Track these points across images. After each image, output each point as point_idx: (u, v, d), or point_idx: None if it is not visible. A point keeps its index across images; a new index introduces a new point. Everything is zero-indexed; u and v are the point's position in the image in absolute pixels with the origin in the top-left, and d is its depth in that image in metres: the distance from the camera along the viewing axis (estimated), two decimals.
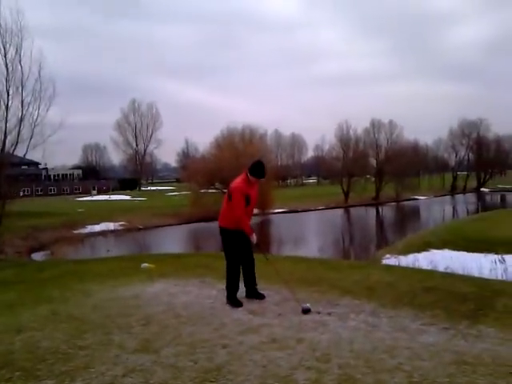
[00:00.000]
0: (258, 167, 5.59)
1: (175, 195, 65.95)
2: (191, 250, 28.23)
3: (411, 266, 13.77)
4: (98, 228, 36.79)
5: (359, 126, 70.01)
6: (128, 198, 64.82)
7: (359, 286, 6.18)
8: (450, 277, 6.47)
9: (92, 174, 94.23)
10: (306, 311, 5.17)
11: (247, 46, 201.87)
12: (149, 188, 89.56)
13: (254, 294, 5.85)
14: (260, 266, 5.94)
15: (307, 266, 7.48)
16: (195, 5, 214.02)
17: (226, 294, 5.72)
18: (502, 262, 15.18)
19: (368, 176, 68.39)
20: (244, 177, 5.62)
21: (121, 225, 38.68)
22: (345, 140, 64.91)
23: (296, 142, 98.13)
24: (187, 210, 44.40)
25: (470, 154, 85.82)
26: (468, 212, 48.22)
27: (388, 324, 4.74)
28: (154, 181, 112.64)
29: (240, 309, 5.43)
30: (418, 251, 20.35)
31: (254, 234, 5.60)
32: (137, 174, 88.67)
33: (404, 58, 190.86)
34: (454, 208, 56.03)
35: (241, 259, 5.73)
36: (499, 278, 12.48)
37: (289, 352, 4.06)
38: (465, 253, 18.47)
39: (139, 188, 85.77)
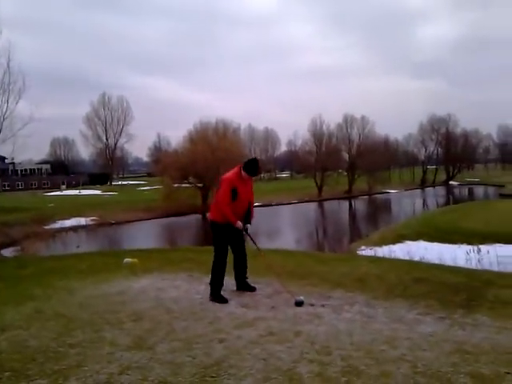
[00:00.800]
0: (252, 164, 5.52)
1: (147, 190, 65.19)
2: (166, 245, 27.93)
3: (387, 257, 13.98)
4: (68, 223, 36.01)
5: (332, 121, 70.32)
6: (99, 192, 63.66)
7: (349, 278, 6.17)
8: (437, 268, 6.53)
9: (61, 169, 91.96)
10: (300, 304, 5.12)
11: (223, 41, 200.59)
12: (120, 182, 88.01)
13: (244, 287, 5.77)
14: (248, 259, 5.85)
15: (295, 259, 7.44)
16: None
17: (209, 290, 5.57)
18: (477, 252, 15.52)
19: (340, 170, 69.16)
20: (236, 170, 5.53)
21: (92, 220, 37.95)
22: (318, 135, 65.45)
23: (269, 137, 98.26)
24: (160, 204, 43.91)
25: (439, 149, 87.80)
26: (438, 205, 49.29)
27: (384, 315, 4.73)
28: (125, 175, 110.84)
29: (232, 302, 5.33)
30: (393, 243, 20.69)
31: (238, 222, 5.47)
32: (107, 168, 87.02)
33: (375, 55, 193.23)
34: (424, 201, 57.15)
35: (233, 252, 5.64)
36: (474, 267, 12.77)
37: (288, 345, 3.99)
38: (439, 244, 18.87)
39: (110, 182, 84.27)
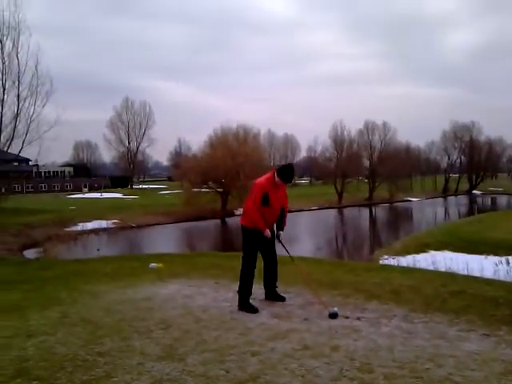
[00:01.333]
0: (287, 170, 5.32)
1: (167, 194, 65.46)
2: (186, 250, 27.90)
3: (411, 266, 13.62)
4: (90, 226, 36.22)
5: (352, 127, 69.99)
6: (120, 195, 64.22)
7: (383, 289, 5.93)
8: (474, 280, 6.25)
9: (83, 172, 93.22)
10: (334, 316, 4.90)
11: (242, 46, 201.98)
12: (140, 186, 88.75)
13: (274, 296, 5.57)
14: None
15: (322, 267, 7.23)
16: (190, 5, 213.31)
17: (238, 299, 5.38)
18: (506, 263, 15.07)
19: (361, 177, 68.51)
20: (270, 175, 5.34)
21: (113, 223, 38.15)
22: (339, 141, 64.94)
23: (289, 143, 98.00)
24: (180, 208, 43.98)
25: (462, 157, 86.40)
26: (460, 214, 48.36)
27: (424, 330, 4.49)
28: (146, 179, 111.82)
29: (263, 312, 5.14)
30: (417, 252, 20.25)
31: (267, 230, 5.29)
32: (128, 172, 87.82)
33: (396, 61, 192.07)
34: (446, 210, 56.20)
35: (264, 259, 5.47)
36: (502, 279, 12.35)
37: (325, 361, 3.79)
38: (465, 254, 18.37)
39: (131, 186, 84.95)
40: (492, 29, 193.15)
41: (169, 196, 60.12)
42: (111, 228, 36.78)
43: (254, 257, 5.35)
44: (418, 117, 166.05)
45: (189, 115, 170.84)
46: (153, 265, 7.57)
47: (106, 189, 76.62)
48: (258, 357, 3.90)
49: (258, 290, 5.61)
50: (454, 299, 5.39)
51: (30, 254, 24.87)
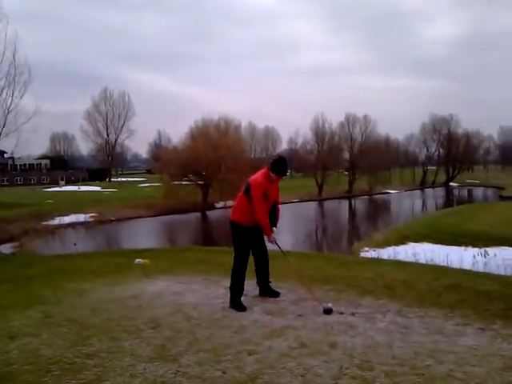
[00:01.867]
0: (280, 164, 5.17)
1: (147, 187, 64.73)
2: (168, 244, 27.61)
3: (392, 258, 13.68)
4: (68, 220, 35.53)
5: (334, 119, 70.17)
6: (98, 188, 63.26)
7: (376, 284, 5.87)
8: (467, 274, 6.24)
9: (60, 164, 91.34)
10: (328, 311, 4.81)
11: (222, 36, 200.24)
12: (119, 179, 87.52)
13: (267, 292, 5.46)
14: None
15: (312, 262, 7.14)
16: None
17: (229, 296, 5.24)
18: (484, 255, 15.29)
19: (341, 170, 68.87)
20: (264, 172, 5.19)
21: (91, 216, 37.54)
22: (320, 133, 65.10)
23: (270, 135, 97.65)
24: (160, 201, 43.50)
25: (441, 150, 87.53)
26: (438, 206, 49.09)
27: (421, 325, 4.43)
28: (125, 172, 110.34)
29: (256, 309, 5.02)
30: (397, 244, 20.37)
31: (273, 235, 5.19)
32: (106, 164, 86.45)
33: (376, 53, 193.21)
34: (424, 202, 56.97)
35: (255, 255, 5.34)
36: (481, 271, 12.52)
37: (324, 359, 3.69)
38: (444, 246, 18.58)
39: (109, 179, 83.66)
40: (469, 20, 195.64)
41: (148, 189, 59.46)
42: (89, 222, 36.17)
43: (247, 254, 5.21)
44: (397, 109, 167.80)
45: (169, 106, 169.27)
46: (138, 260, 7.36)
47: (84, 182, 75.26)
48: (255, 356, 3.79)
49: (248, 286, 5.48)
50: (448, 293, 5.36)
51: (5, 248, 24.24)
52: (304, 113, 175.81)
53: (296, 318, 4.70)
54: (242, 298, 5.19)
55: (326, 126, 66.25)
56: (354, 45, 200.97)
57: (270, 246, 5.48)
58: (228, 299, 5.27)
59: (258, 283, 5.49)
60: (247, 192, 5.13)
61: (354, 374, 3.43)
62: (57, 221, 34.81)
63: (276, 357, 3.76)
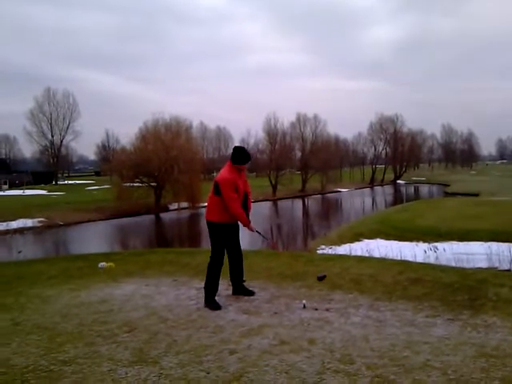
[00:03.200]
0: (238, 153, 5.22)
1: (96, 189, 63.01)
2: (123, 247, 27.07)
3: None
4: (14, 225, 34.11)
5: (286, 119, 71.03)
6: (44, 192, 60.87)
7: (344, 279, 5.99)
8: (429, 267, 6.48)
9: (2, 168, 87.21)
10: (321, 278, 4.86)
11: (171, 37, 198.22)
12: (66, 182, 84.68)
13: (242, 291, 5.47)
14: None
15: (280, 260, 7.18)
16: None
17: (204, 296, 5.24)
18: (435, 250, 15.98)
19: (292, 169, 69.77)
20: (229, 167, 5.22)
21: (39, 221, 36.19)
22: (272, 133, 65.69)
23: (222, 135, 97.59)
24: (111, 204, 42.48)
25: (388, 148, 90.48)
26: (387, 203, 50.63)
27: (393, 318, 4.57)
28: (71, 174, 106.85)
29: (231, 308, 5.03)
30: (352, 241, 20.92)
31: (251, 225, 5.24)
32: (52, 167, 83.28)
33: (323, 56, 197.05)
34: (374, 199, 58.65)
35: (229, 254, 5.34)
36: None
37: (305, 355, 3.75)
38: (397, 242, 19.24)
39: (56, 182, 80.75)
40: (410, 25, 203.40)
41: (97, 192, 57.92)
42: (37, 227, 34.86)
43: (222, 252, 5.21)
44: (345, 109, 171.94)
45: (117, 107, 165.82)
46: (102, 264, 7.18)
47: (29, 185, 72.20)
48: (237, 355, 3.79)
49: (220, 286, 5.46)
50: (413, 286, 5.56)
51: None
52: (255, 113, 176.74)
53: (272, 316, 4.74)
54: (215, 298, 5.19)
55: (278, 126, 67.08)
56: (304, 47, 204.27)
57: (243, 246, 5.50)
58: (200, 300, 5.26)
59: (232, 282, 5.49)
60: (217, 191, 5.14)
61: (337, 367, 3.50)
62: (3, 226, 33.29)
63: (258, 355, 3.78)
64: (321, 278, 5.03)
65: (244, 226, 5.25)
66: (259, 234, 5.45)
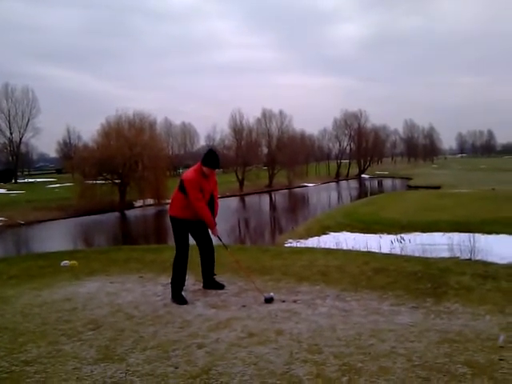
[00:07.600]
0: (210, 157, 5.17)
1: (57, 187, 61.36)
2: (87, 246, 26.47)
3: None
4: None
5: (251, 115, 71.06)
6: (3, 191, 58.88)
7: (310, 271, 6.05)
8: (393, 257, 6.62)
9: None
10: (270, 300, 4.90)
11: (139, 33, 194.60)
12: (26, 180, 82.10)
13: (212, 285, 5.45)
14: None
15: (248, 254, 7.18)
16: None
17: (170, 291, 5.21)
18: (400, 241, 16.32)
19: (258, 165, 69.95)
20: (197, 167, 5.18)
21: None
22: (238, 129, 65.58)
23: (187, 131, 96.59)
24: (75, 202, 41.51)
25: (352, 144, 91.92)
26: (352, 197, 51.50)
27: (359, 307, 4.65)
28: (32, 172, 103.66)
29: (199, 303, 4.99)
30: (319, 235, 21.14)
31: (216, 228, 5.22)
32: (11, 165, 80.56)
33: (290, 52, 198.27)
34: (339, 193, 59.58)
35: (199, 248, 5.33)
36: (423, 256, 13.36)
37: (273, 346, 3.76)
38: (362, 234, 19.58)
39: (15, 180, 78.21)
40: (374, 23, 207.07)
41: (59, 189, 56.43)
42: None
43: (186, 246, 5.18)
44: (311, 105, 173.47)
45: (81, 104, 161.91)
46: (65, 262, 6.99)
47: None
48: (205, 349, 3.77)
49: (188, 281, 5.42)
50: (378, 276, 5.66)
51: None
52: (220, 109, 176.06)
53: (240, 309, 4.73)
54: (182, 293, 5.15)
55: (244, 122, 67.04)
56: (273, 44, 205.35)
57: (215, 240, 5.48)
58: (167, 296, 5.22)
59: (203, 275, 5.47)
60: (182, 188, 5.11)
61: (305, 357, 3.52)
62: None
63: (226, 348, 3.77)
64: (268, 300, 4.90)
65: (209, 228, 5.22)
66: (220, 240, 5.41)
